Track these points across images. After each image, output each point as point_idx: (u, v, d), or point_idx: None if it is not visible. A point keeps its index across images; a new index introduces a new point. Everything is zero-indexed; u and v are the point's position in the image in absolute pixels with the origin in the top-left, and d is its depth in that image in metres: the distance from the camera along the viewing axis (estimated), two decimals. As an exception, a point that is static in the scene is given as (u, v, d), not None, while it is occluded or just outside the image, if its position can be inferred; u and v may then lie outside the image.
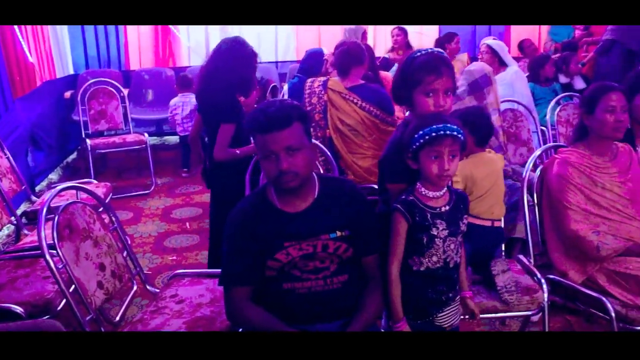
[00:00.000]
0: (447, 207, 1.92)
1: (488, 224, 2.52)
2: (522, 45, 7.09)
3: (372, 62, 4.84)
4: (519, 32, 7.56)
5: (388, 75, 5.06)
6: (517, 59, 6.95)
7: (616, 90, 2.44)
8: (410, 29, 6.90)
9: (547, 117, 4.44)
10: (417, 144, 1.84)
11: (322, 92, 3.63)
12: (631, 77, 2.79)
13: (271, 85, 4.70)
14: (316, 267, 1.88)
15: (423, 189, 1.91)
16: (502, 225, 2.66)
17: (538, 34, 7.66)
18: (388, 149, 2.07)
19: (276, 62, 7.39)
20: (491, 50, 4.87)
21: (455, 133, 1.82)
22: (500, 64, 4.88)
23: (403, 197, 1.92)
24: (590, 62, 6.35)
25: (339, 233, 1.89)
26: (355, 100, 3.53)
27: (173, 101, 5.93)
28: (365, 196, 2.03)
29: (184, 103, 5.83)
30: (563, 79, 5.62)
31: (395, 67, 6.09)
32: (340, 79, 3.62)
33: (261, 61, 3.35)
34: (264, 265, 1.87)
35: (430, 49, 2.02)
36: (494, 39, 6.63)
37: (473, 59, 7.09)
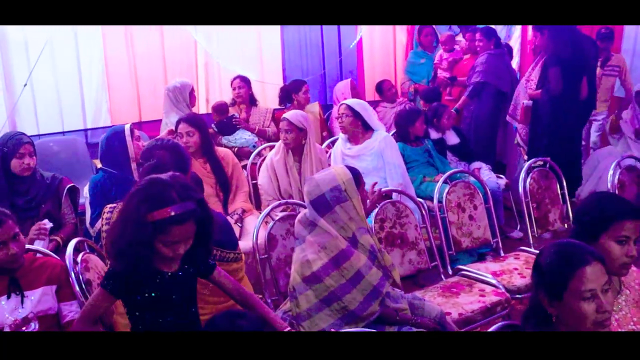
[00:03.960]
0: None
1: None
2: (381, 87, 6.17)
3: (207, 144, 3.64)
4: (374, 73, 6.66)
5: (228, 153, 3.79)
6: (374, 103, 6.05)
7: (591, 261, 1.52)
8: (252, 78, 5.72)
9: (435, 200, 3.39)
10: None
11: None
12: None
13: (67, 187, 3.17)
14: None
15: None
16: None
17: (394, 74, 6.81)
18: None
19: (85, 130, 5.38)
20: (352, 112, 3.80)
21: None
22: (365, 128, 3.84)
23: None
24: (462, 107, 5.69)
25: None
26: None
27: None
28: None
29: None
30: (434, 134, 4.69)
31: (242, 135, 4.80)
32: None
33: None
34: None
35: None
36: (357, 89, 5.66)
37: (325, 107, 6.05)
